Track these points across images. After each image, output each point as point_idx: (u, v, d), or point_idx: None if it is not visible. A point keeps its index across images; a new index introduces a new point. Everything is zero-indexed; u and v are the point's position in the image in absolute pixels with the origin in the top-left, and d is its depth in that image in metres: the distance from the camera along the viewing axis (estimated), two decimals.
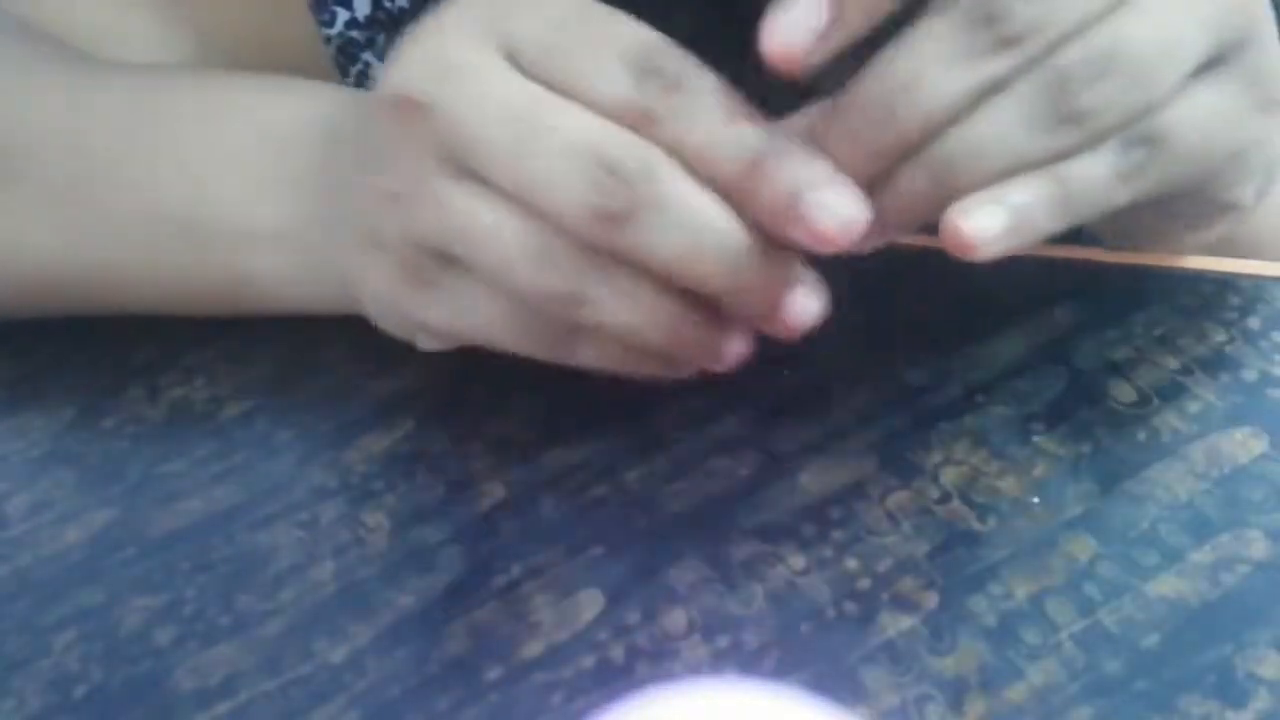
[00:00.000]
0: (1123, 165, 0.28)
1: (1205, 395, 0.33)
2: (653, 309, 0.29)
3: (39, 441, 0.36)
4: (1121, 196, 0.29)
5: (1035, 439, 0.32)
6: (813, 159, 0.27)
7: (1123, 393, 0.33)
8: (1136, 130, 0.28)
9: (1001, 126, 0.27)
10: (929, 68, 0.27)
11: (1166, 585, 0.29)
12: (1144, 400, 0.33)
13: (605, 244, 0.28)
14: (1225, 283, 0.36)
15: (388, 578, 0.31)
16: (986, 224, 0.27)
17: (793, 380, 0.35)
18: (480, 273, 0.29)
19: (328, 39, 0.46)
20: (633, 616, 0.30)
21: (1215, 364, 0.33)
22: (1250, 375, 0.33)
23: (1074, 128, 0.27)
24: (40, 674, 0.30)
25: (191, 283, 0.37)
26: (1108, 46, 0.27)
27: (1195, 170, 0.30)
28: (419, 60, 0.29)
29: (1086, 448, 0.32)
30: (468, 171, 0.28)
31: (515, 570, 0.31)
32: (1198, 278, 0.36)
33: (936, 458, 0.32)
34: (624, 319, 0.29)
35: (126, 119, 0.38)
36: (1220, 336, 0.34)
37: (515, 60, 0.28)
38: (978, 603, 0.29)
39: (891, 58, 0.27)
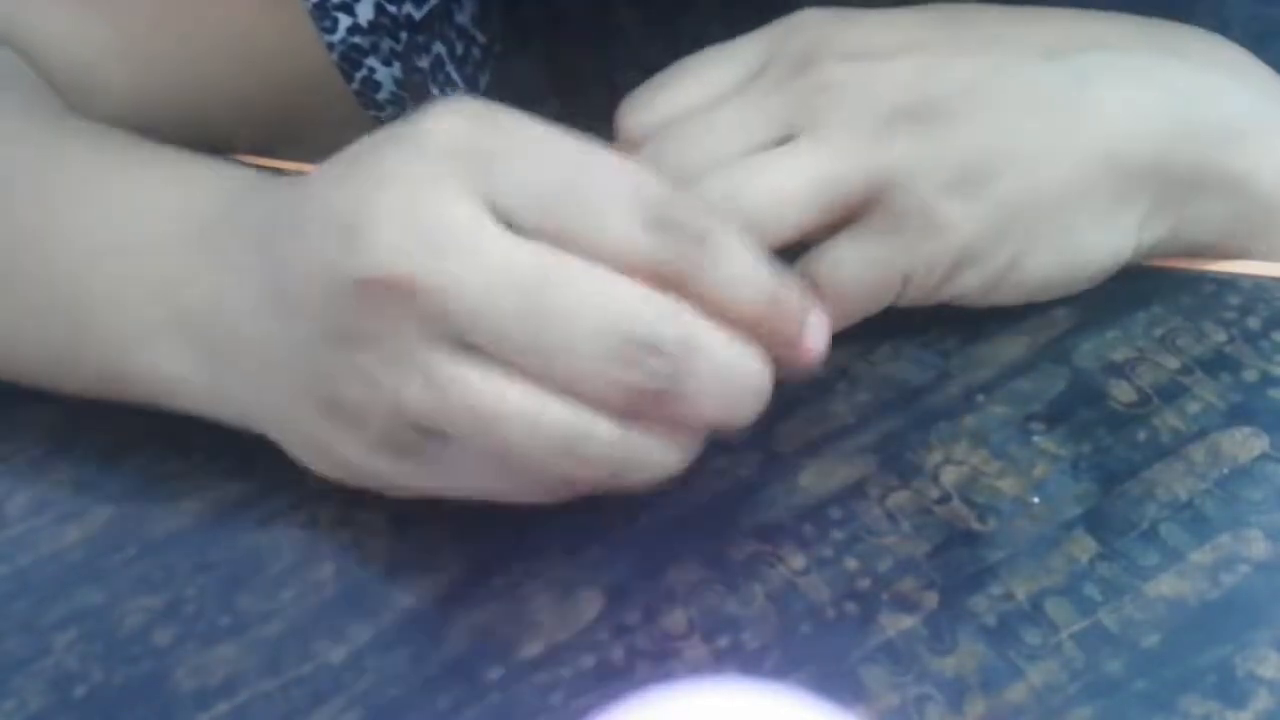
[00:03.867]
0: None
1: (1205, 395, 0.33)
2: (682, 458, 0.28)
3: (39, 441, 0.36)
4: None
5: (1035, 439, 0.32)
6: (800, 285, 0.28)
7: (1123, 393, 0.33)
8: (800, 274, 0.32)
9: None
10: None
11: (1166, 585, 0.29)
12: (1144, 400, 0.33)
13: (641, 414, 0.26)
14: (1225, 283, 0.36)
15: (388, 578, 0.31)
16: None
17: (792, 380, 0.35)
18: (485, 448, 0.27)
19: (330, 46, 0.46)
20: (633, 616, 0.30)
21: (1215, 364, 0.33)
22: (1250, 375, 0.33)
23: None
24: (40, 674, 0.30)
25: (79, 372, 0.35)
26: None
27: (865, 300, 0.33)
28: (394, 223, 0.26)
29: (1086, 448, 0.32)
30: (467, 347, 0.26)
31: (515, 570, 0.31)
32: (1198, 278, 0.36)
33: (936, 458, 0.32)
34: (652, 475, 0.27)
35: (21, 190, 0.36)
36: (1220, 336, 0.34)
37: (509, 218, 0.26)
38: (978, 603, 0.29)
39: None
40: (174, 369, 0.32)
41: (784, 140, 0.32)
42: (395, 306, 0.26)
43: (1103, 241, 0.34)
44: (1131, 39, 0.35)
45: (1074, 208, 0.33)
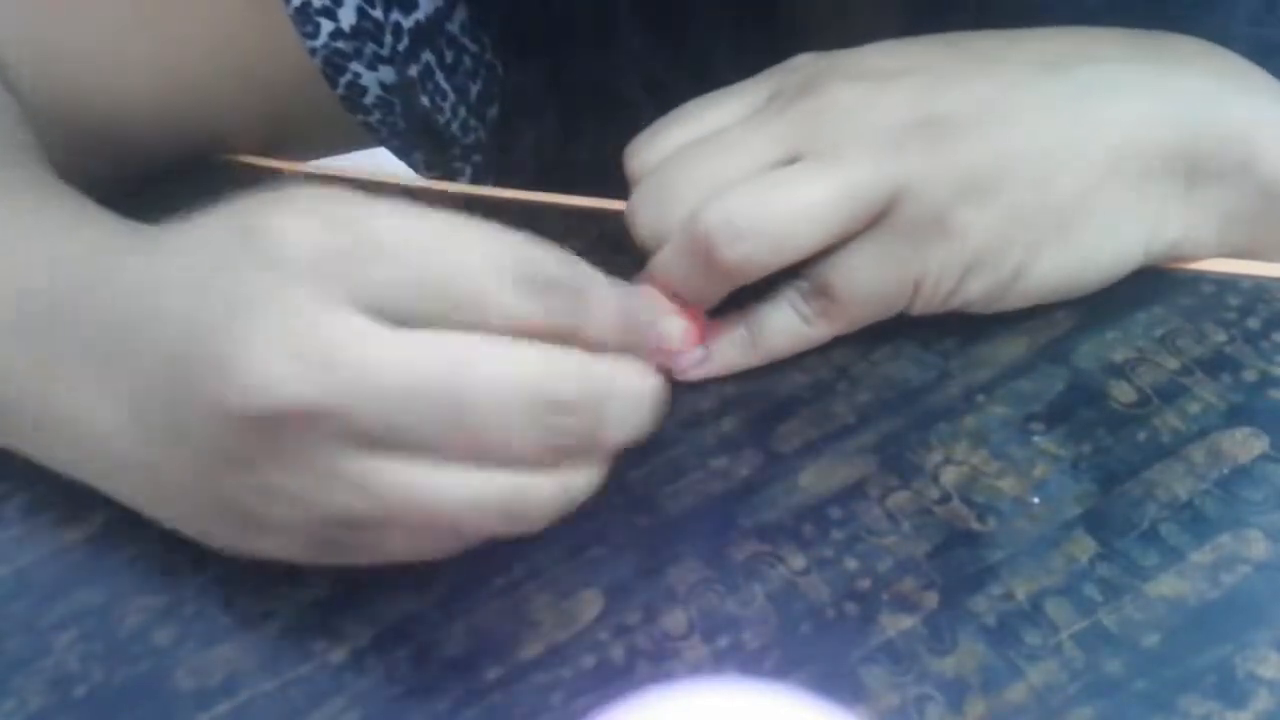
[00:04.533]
0: (804, 311, 0.35)
1: (1205, 395, 0.33)
2: (602, 476, 0.28)
3: None
4: (817, 334, 0.35)
5: (1035, 439, 0.32)
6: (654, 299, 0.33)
7: (1123, 393, 0.33)
8: (809, 284, 0.34)
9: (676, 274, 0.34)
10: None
11: (1166, 585, 0.29)
12: (1144, 400, 0.33)
13: (566, 459, 0.27)
14: (1225, 283, 0.36)
15: (387, 578, 0.31)
16: (688, 357, 0.35)
17: (793, 380, 0.35)
18: (416, 526, 0.27)
19: (312, 51, 0.45)
20: (633, 616, 0.30)
21: (1215, 364, 0.33)
22: (1250, 375, 0.33)
23: (720, 276, 0.33)
24: (40, 674, 0.30)
25: None
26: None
27: (877, 306, 0.34)
28: (276, 351, 0.24)
29: (1086, 448, 0.32)
30: (383, 445, 0.25)
31: (515, 570, 0.31)
32: (1198, 278, 0.36)
33: (936, 458, 0.32)
34: (577, 503, 0.28)
35: None
36: (1220, 336, 0.34)
37: (388, 315, 0.25)
38: (978, 603, 0.29)
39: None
40: (36, 453, 0.32)
41: (790, 161, 0.33)
42: (300, 432, 0.25)
43: (1109, 248, 0.34)
44: (1130, 50, 0.35)
45: (1081, 215, 0.33)
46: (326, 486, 0.26)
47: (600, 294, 0.27)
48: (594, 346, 0.27)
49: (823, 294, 0.34)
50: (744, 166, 0.33)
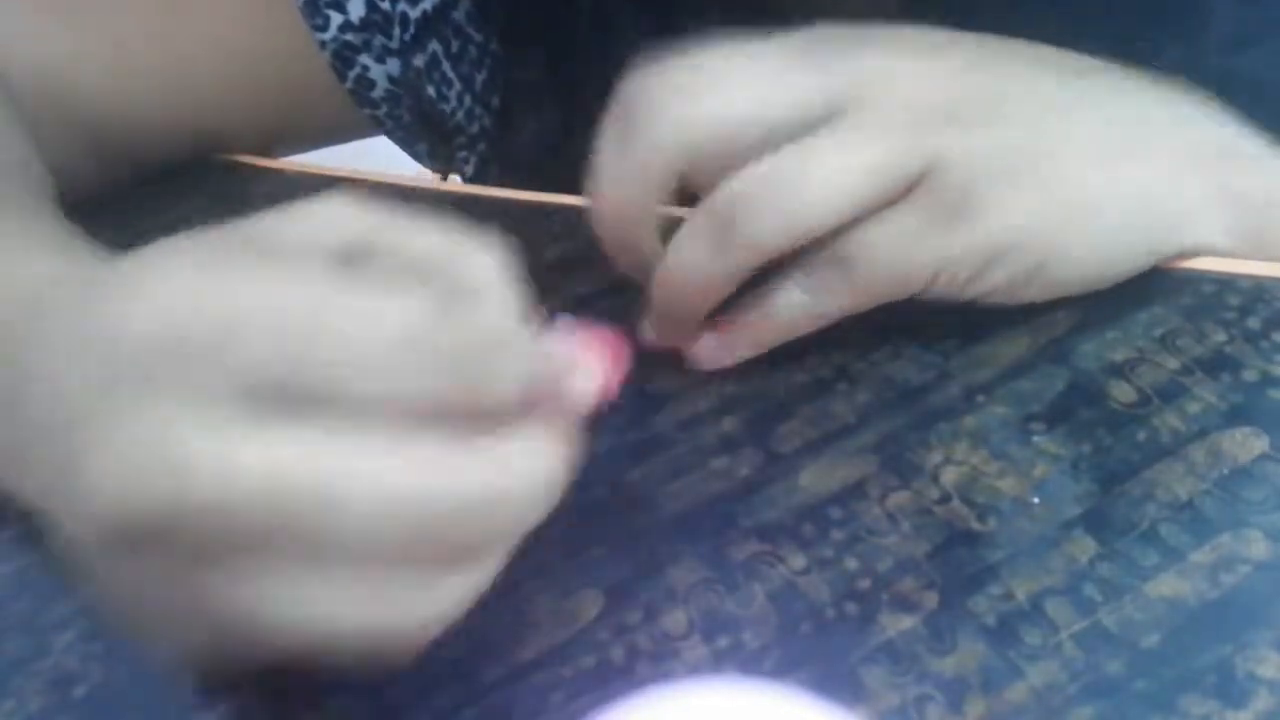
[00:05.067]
0: (813, 284, 0.33)
1: (1205, 395, 0.33)
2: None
3: None
4: (825, 307, 0.34)
5: (1035, 439, 0.32)
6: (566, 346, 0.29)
7: (1123, 393, 0.33)
8: (825, 253, 0.32)
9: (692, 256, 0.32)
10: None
11: (1166, 585, 0.29)
12: (1144, 400, 0.33)
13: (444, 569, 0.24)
14: (1225, 283, 0.36)
15: None
16: (701, 345, 0.35)
17: (793, 380, 0.35)
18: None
19: (322, 44, 0.45)
20: (633, 616, 0.30)
21: (1215, 364, 0.33)
22: (1250, 375, 0.33)
23: (743, 250, 0.32)
24: (40, 674, 0.30)
25: None
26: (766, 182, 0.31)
27: (895, 284, 0.33)
28: (126, 458, 0.22)
29: (1086, 448, 0.32)
30: (246, 556, 0.22)
31: (515, 570, 0.31)
32: (1198, 278, 0.36)
33: (936, 458, 0.32)
34: None
35: None
36: (1220, 336, 0.34)
37: (259, 396, 0.22)
38: (978, 603, 0.29)
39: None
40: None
41: (825, 116, 0.32)
42: (165, 542, 0.22)
43: (1133, 243, 0.34)
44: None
45: (1110, 209, 0.33)
46: (188, 599, 0.23)
47: (504, 359, 0.24)
48: (495, 412, 0.24)
49: (837, 267, 0.33)
50: (780, 104, 0.31)
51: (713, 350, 0.35)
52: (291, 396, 0.22)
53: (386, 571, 0.23)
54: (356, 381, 0.23)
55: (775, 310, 0.34)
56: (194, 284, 0.23)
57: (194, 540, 0.22)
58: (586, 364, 0.28)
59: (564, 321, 0.28)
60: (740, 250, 0.32)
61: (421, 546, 0.23)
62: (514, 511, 0.24)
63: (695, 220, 0.32)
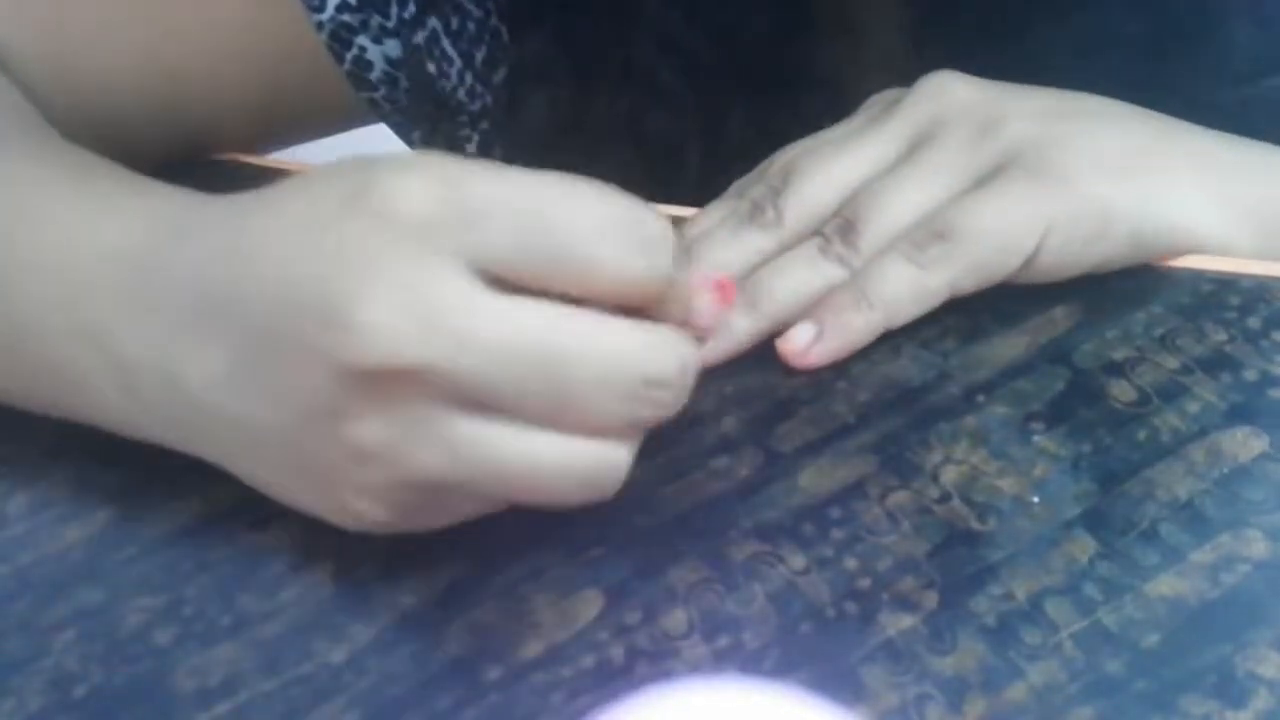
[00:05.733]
0: (920, 258, 0.34)
1: (1205, 395, 0.33)
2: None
3: (39, 441, 0.36)
4: (934, 283, 0.34)
5: (1035, 439, 0.32)
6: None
7: (1123, 393, 0.33)
8: (926, 229, 0.34)
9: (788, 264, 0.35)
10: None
11: (1166, 585, 0.29)
12: (1144, 400, 0.33)
13: (636, 432, 0.28)
14: (1225, 283, 0.36)
15: (388, 578, 0.31)
16: (799, 338, 0.35)
17: (793, 380, 0.35)
18: (498, 490, 0.28)
19: (319, 25, 0.45)
20: (633, 616, 0.30)
21: (1215, 364, 0.33)
22: (1250, 375, 0.33)
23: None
24: (40, 674, 0.30)
25: (16, 380, 0.34)
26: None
27: (1003, 255, 0.34)
28: (388, 310, 0.25)
29: (1086, 448, 0.32)
30: (481, 406, 0.26)
31: (515, 570, 0.31)
32: (1198, 278, 0.36)
33: (936, 458, 0.32)
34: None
35: None
36: (1220, 336, 0.34)
37: (494, 277, 0.26)
38: (978, 603, 0.29)
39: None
40: (120, 416, 0.32)
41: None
42: (402, 388, 0.26)
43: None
44: None
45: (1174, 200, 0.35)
46: (418, 445, 0.26)
47: (683, 268, 0.28)
48: (673, 313, 0.28)
49: (943, 237, 0.34)
50: (937, 191, 0.35)
51: (815, 340, 0.35)
52: (530, 275, 0.26)
53: (587, 423, 0.26)
54: (574, 264, 0.26)
55: (880, 287, 0.34)
56: (454, 168, 0.26)
57: (435, 387, 0.25)
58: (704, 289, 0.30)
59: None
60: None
61: (633, 408, 0.26)
62: (681, 393, 0.27)
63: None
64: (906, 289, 0.34)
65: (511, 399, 0.26)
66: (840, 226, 0.35)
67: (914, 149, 0.36)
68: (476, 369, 0.25)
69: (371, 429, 0.26)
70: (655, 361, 0.26)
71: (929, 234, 0.34)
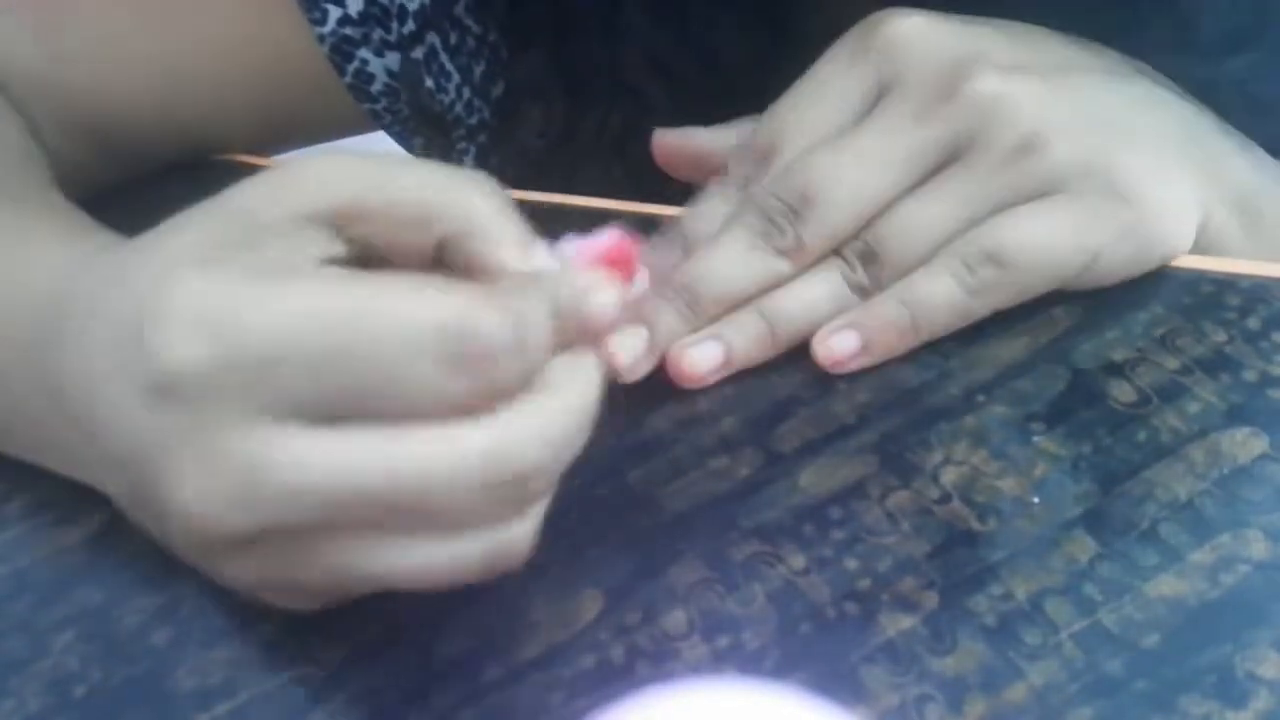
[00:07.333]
0: (971, 283, 0.33)
1: (1205, 395, 0.33)
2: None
3: None
4: (979, 310, 0.34)
5: (1035, 439, 0.32)
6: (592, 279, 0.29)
7: (1123, 393, 0.33)
8: (977, 250, 0.33)
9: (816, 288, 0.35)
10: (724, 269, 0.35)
11: (1166, 585, 0.29)
12: (1144, 400, 0.33)
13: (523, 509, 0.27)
14: (1225, 283, 0.36)
15: None
16: (841, 348, 0.34)
17: (793, 380, 0.35)
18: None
19: (320, 38, 0.45)
20: (633, 616, 0.30)
21: (1215, 364, 0.33)
22: (1250, 375, 0.33)
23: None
24: (40, 674, 0.30)
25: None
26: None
27: (1050, 282, 0.34)
28: (195, 482, 0.24)
29: (1086, 448, 0.32)
30: (345, 531, 0.25)
31: (515, 570, 0.31)
32: (1198, 278, 0.36)
33: (936, 458, 0.32)
34: None
35: None
36: (1220, 336, 0.34)
37: (307, 413, 0.24)
38: (978, 603, 0.29)
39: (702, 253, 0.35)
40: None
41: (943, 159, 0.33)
42: (261, 537, 0.25)
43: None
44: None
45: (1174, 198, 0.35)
46: (300, 571, 0.26)
47: (535, 337, 0.25)
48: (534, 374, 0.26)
49: (996, 262, 0.33)
50: (903, 180, 0.34)
51: (853, 356, 0.34)
52: (344, 406, 0.24)
53: (462, 523, 0.25)
54: (397, 386, 0.24)
55: (924, 306, 0.34)
56: (232, 310, 0.24)
57: (284, 536, 0.24)
58: (602, 276, 0.28)
59: (567, 243, 0.29)
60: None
61: (503, 498, 0.25)
62: (562, 451, 0.26)
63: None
64: (954, 316, 0.34)
65: (372, 523, 0.24)
66: (863, 253, 0.34)
67: (941, 167, 0.34)
68: (318, 512, 0.24)
69: (246, 569, 0.26)
70: (508, 458, 0.24)
71: (980, 255, 0.33)
